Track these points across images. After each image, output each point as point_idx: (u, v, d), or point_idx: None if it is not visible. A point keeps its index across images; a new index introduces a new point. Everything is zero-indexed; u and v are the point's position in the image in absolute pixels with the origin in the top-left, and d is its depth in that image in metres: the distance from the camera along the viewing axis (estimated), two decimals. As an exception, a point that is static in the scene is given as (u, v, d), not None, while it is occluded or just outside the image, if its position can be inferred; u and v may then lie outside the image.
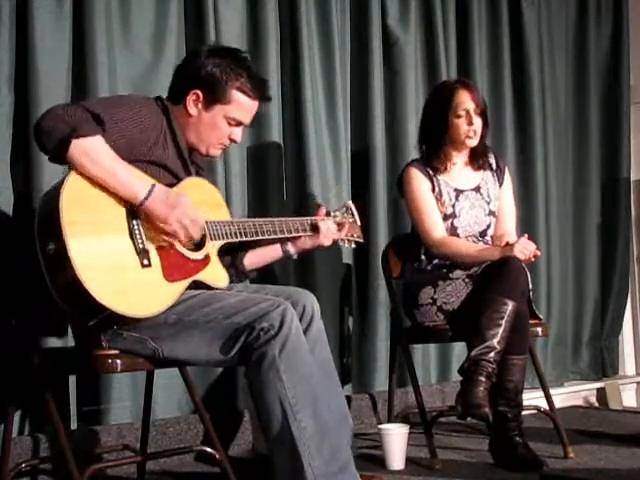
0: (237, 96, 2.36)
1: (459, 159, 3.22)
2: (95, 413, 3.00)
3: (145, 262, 2.16)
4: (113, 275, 2.10)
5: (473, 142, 3.14)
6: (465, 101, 3.11)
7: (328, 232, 2.63)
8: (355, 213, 2.77)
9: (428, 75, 4.08)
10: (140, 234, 2.18)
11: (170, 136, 2.34)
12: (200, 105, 2.36)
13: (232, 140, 2.43)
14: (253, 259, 2.61)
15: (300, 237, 2.61)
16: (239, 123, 2.40)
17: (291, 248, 2.62)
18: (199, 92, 2.35)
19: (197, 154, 2.46)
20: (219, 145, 2.42)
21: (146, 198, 2.15)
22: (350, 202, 2.82)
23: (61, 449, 2.28)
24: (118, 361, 2.21)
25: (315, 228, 2.62)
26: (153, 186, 2.17)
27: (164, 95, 2.45)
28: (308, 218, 2.63)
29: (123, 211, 2.17)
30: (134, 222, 2.18)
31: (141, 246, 2.16)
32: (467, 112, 3.10)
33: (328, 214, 2.70)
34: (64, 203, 2.06)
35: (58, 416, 2.32)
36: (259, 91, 2.40)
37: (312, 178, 3.57)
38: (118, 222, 2.16)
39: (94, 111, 2.13)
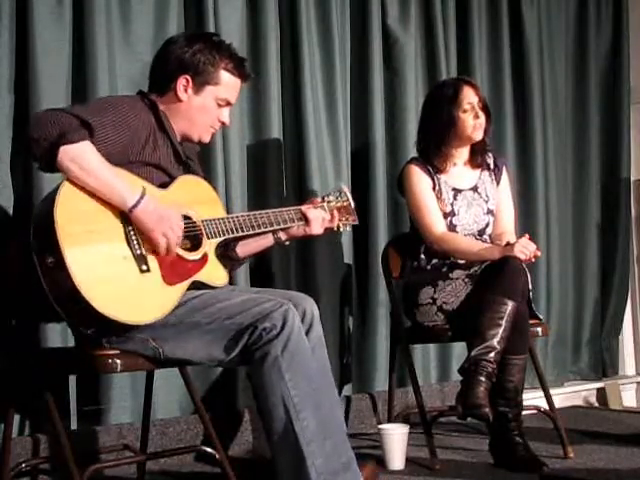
0: (225, 76, 2.41)
1: (459, 158, 3.23)
2: (95, 413, 3.00)
3: (144, 267, 2.15)
4: (113, 283, 2.10)
5: (479, 135, 3.16)
6: (469, 95, 3.14)
7: (317, 221, 2.61)
8: (349, 196, 2.72)
9: (428, 75, 4.09)
10: (137, 240, 2.17)
11: (160, 132, 2.34)
12: (190, 90, 2.39)
13: (222, 122, 2.47)
14: (246, 248, 2.61)
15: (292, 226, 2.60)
16: (227, 103, 2.44)
17: (283, 236, 2.62)
18: (188, 77, 2.37)
19: (187, 143, 2.47)
20: (210, 129, 2.46)
21: (134, 206, 2.14)
22: (344, 185, 2.79)
23: (61, 449, 2.28)
24: (118, 361, 2.20)
25: (306, 217, 2.60)
26: (142, 195, 2.16)
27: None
28: (299, 207, 2.61)
29: (118, 217, 2.16)
30: (129, 228, 2.16)
31: (138, 252, 2.15)
32: (472, 106, 3.13)
33: (322, 199, 2.68)
34: (59, 215, 2.05)
35: (58, 416, 2.31)
36: (243, 69, 2.46)
37: (312, 177, 3.58)
38: (114, 229, 2.15)
39: (81, 117, 2.12)
